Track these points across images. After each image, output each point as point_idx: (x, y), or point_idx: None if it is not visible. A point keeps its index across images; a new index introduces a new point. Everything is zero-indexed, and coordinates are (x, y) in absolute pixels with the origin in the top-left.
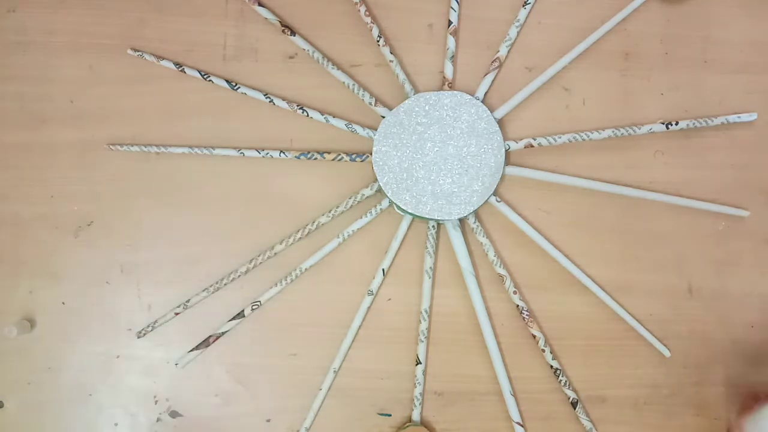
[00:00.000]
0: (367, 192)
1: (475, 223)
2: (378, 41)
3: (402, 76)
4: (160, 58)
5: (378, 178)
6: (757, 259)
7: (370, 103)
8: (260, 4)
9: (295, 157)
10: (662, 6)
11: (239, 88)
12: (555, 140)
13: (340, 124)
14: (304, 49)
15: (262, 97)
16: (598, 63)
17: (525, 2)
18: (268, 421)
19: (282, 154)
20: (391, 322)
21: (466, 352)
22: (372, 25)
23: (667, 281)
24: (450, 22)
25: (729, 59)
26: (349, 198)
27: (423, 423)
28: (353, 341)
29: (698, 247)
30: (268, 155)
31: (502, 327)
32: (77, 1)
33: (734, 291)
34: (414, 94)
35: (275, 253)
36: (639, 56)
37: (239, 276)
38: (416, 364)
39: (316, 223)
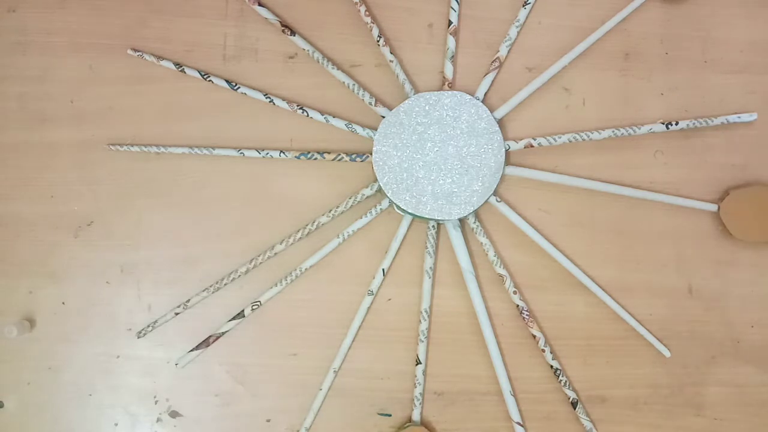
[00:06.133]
0: (367, 192)
1: (475, 223)
2: (378, 41)
3: (402, 76)
4: (160, 58)
5: (378, 178)
6: (757, 259)
7: (370, 103)
8: (260, 4)
9: (295, 157)
10: (662, 6)
11: (239, 88)
12: (555, 140)
13: (340, 124)
14: (304, 49)
15: (262, 97)
16: (598, 63)
17: (525, 2)
18: (268, 421)
19: (282, 154)
20: (391, 322)
21: (466, 352)
22: (372, 25)
23: (667, 281)
24: (450, 22)
25: (729, 59)
26: (349, 198)
27: (423, 423)
28: (353, 341)
29: (698, 247)
30: (268, 155)
31: (502, 327)
32: (77, 1)
33: (734, 291)
34: (414, 94)
35: (275, 253)
36: (639, 56)
37: (239, 276)
38: (416, 364)
39: (316, 223)
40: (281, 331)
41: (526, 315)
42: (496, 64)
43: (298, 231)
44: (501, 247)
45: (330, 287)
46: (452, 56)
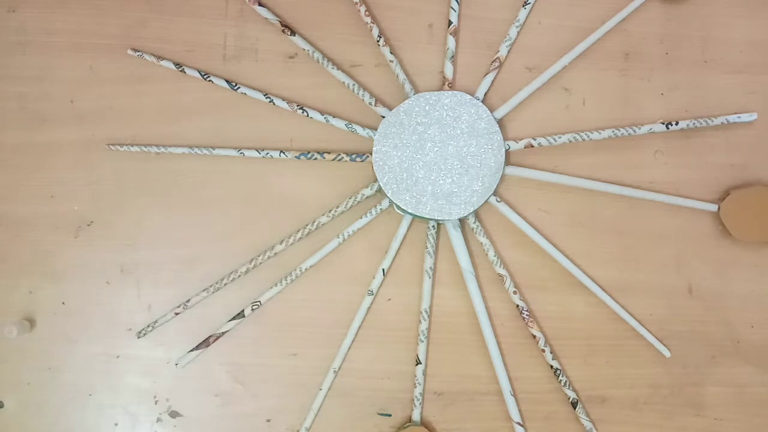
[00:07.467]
0: (367, 192)
1: (475, 223)
2: (378, 41)
3: (402, 76)
4: (160, 58)
5: (378, 178)
6: (757, 259)
7: (370, 103)
8: (260, 4)
9: (295, 157)
10: (662, 6)
11: (239, 88)
12: (555, 140)
13: (340, 124)
14: (304, 49)
15: (262, 97)
16: (598, 63)
17: (525, 2)
18: (268, 421)
19: (282, 154)
20: (391, 322)
21: (466, 352)
22: (372, 25)
23: (667, 281)
24: (450, 22)
25: (729, 59)
26: (349, 198)
27: (423, 423)
28: (353, 341)
29: (698, 247)
30: (268, 155)
31: (502, 327)
32: (77, 1)
33: (734, 291)
34: (414, 94)
35: (275, 253)
36: (639, 56)
37: (239, 276)
38: (416, 364)
39: (316, 223)
40: (281, 331)
41: (526, 315)
42: (496, 64)
43: (298, 231)
44: (501, 247)
45: (330, 287)
46: (452, 56)
